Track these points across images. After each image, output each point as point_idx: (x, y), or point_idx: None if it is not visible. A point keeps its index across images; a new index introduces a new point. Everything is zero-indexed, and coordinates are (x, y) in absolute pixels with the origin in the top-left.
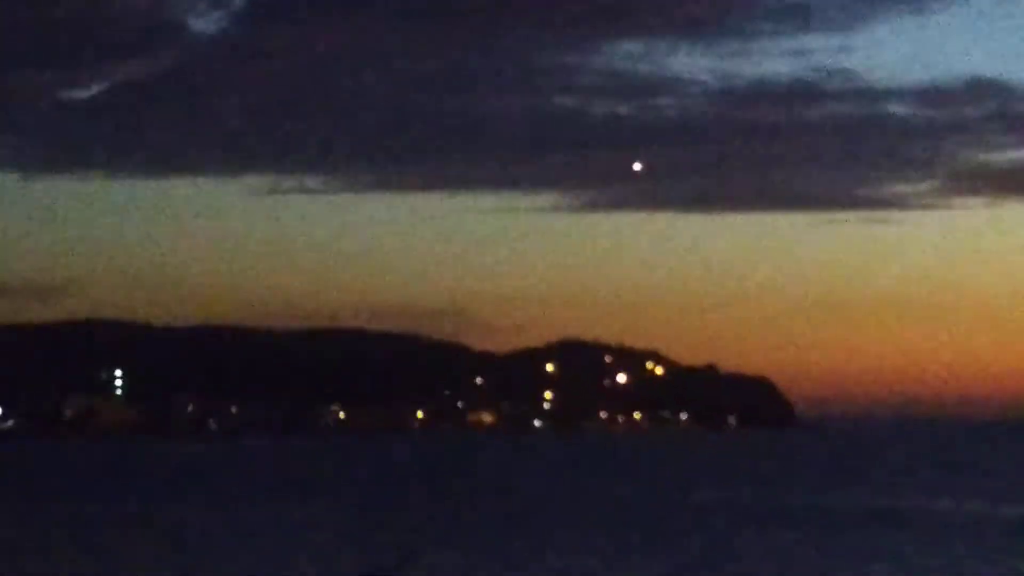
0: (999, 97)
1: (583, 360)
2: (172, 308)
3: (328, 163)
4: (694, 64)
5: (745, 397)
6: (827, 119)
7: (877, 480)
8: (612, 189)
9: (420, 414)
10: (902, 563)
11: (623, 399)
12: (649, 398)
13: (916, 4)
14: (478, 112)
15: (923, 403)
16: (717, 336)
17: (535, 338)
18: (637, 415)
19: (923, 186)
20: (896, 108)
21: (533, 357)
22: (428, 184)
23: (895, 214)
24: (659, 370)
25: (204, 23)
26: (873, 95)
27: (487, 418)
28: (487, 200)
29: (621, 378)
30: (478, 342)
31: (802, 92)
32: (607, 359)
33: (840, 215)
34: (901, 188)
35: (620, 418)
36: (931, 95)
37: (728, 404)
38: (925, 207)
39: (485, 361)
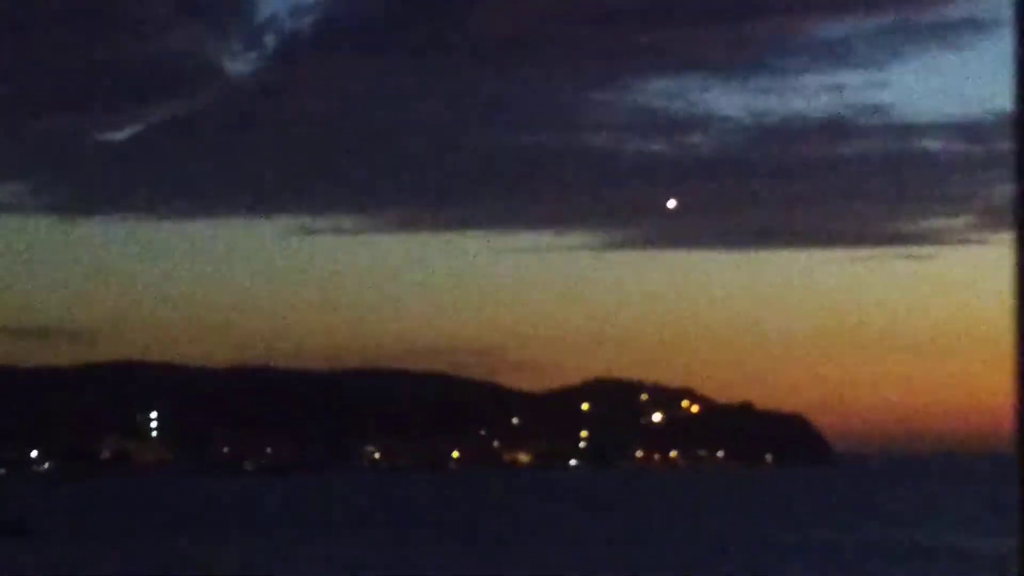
0: None
1: (618, 398)
2: (207, 349)
3: (361, 203)
4: (727, 101)
5: (781, 434)
6: (861, 155)
7: (911, 516)
8: (645, 226)
9: (456, 454)
10: None
11: (658, 437)
12: (684, 436)
13: (949, 39)
14: (510, 150)
15: (962, 439)
16: (752, 374)
17: (570, 377)
18: (673, 453)
19: (958, 221)
20: (931, 143)
21: (568, 396)
22: (462, 223)
23: (930, 249)
24: (694, 408)
25: (239, 64)
26: (907, 131)
27: (523, 457)
28: (521, 239)
29: (656, 416)
30: (513, 381)
31: (836, 128)
32: (642, 397)
33: (875, 251)
34: (936, 223)
35: (656, 456)
36: (966, 130)
37: (764, 442)
38: (960, 242)
39: (520, 400)
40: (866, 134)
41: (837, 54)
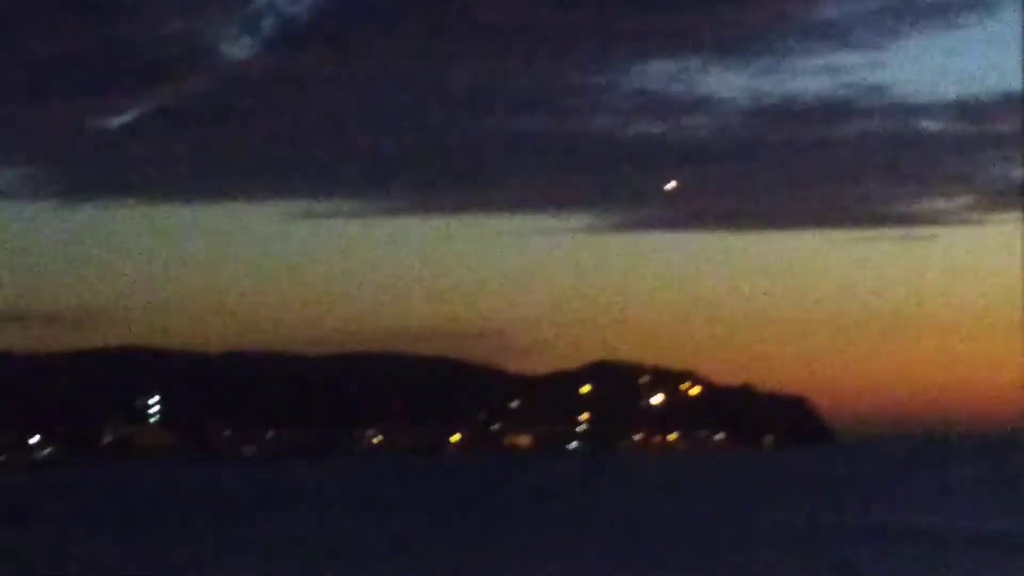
0: None
1: (618, 381)
2: (208, 334)
3: (361, 186)
4: (726, 83)
5: (781, 416)
6: (860, 136)
7: (910, 498)
8: (645, 209)
9: (456, 437)
10: None
11: (658, 420)
12: (684, 418)
13: (946, 19)
14: (511, 133)
15: (961, 419)
16: (753, 355)
17: (570, 360)
18: (673, 436)
19: (958, 202)
20: (929, 124)
21: (568, 379)
22: (462, 206)
23: (930, 230)
24: (694, 390)
25: (236, 49)
26: (906, 111)
27: (523, 441)
28: (521, 222)
29: (656, 399)
30: (513, 365)
31: (835, 109)
32: (642, 380)
33: (875, 232)
34: (936, 204)
35: (656, 438)
36: (964, 110)
37: (764, 424)
38: (960, 223)
39: (520, 384)
40: (865, 115)
41: (836, 35)
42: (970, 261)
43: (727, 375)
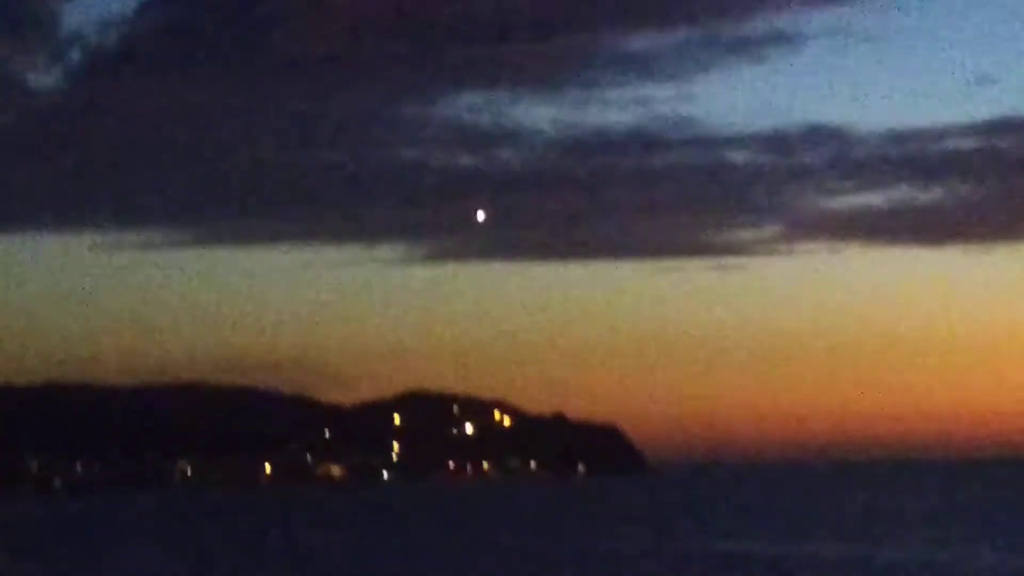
0: (837, 144)
1: (430, 411)
2: (15, 366)
3: (172, 217)
4: (536, 114)
5: (594, 445)
6: (669, 167)
7: (721, 525)
8: (456, 240)
9: (268, 468)
10: None
11: (471, 449)
12: (497, 447)
13: (754, 53)
14: (322, 165)
15: (771, 447)
16: (564, 384)
17: (382, 390)
18: (486, 465)
19: (765, 232)
20: (737, 156)
21: (380, 409)
22: (273, 237)
23: (738, 260)
24: (507, 419)
25: (43, 79)
26: (714, 143)
27: (335, 471)
28: (332, 252)
29: (468, 428)
30: (325, 395)
31: (644, 140)
32: (454, 409)
33: (683, 262)
34: (744, 234)
35: (468, 468)
36: (771, 142)
37: (577, 452)
38: (768, 253)
39: (333, 414)
40: (674, 146)
41: (644, 67)
42: (778, 290)
43: (539, 404)
